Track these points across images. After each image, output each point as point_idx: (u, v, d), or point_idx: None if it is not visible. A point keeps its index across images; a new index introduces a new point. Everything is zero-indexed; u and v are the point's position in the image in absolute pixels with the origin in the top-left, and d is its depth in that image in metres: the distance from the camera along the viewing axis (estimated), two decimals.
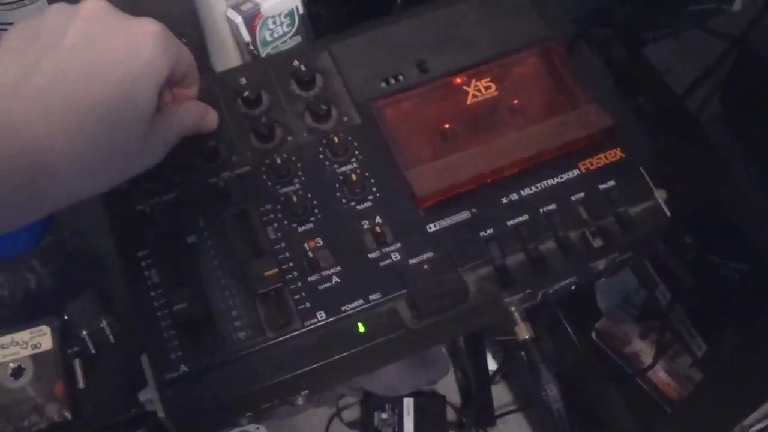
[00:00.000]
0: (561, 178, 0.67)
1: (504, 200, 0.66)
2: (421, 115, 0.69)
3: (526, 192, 0.66)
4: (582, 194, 0.66)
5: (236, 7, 0.70)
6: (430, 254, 0.63)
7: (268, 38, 0.71)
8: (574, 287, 0.69)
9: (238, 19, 0.70)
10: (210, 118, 0.65)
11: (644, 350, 0.92)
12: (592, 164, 0.68)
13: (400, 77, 0.70)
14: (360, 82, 0.70)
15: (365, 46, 0.72)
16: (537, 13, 0.74)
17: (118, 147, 0.52)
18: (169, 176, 0.65)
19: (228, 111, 0.68)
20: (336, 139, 0.66)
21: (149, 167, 0.57)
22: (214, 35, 0.72)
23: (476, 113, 0.69)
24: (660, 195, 0.67)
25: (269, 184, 0.65)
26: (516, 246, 0.64)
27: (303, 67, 0.69)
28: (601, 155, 0.68)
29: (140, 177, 0.61)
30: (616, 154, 0.68)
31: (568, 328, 1.01)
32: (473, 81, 0.70)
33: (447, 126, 0.68)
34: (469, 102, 0.69)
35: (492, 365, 1.23)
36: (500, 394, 1.23)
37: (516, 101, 0.70)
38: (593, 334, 0.95)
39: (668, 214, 0.66)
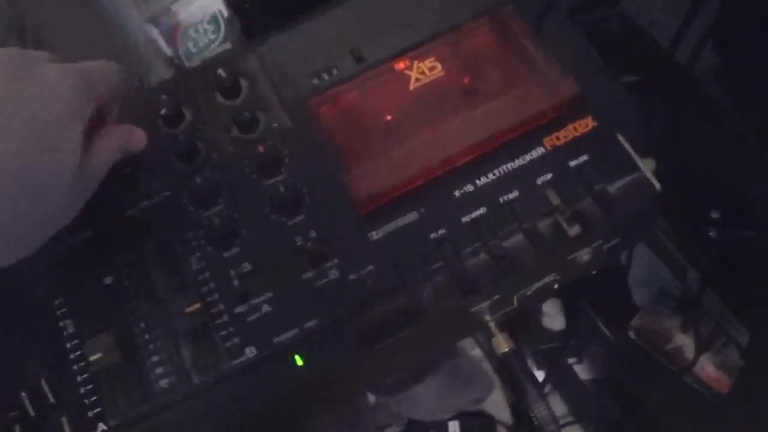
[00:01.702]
0: (522, 159, 0.57)
1: (457, 193, 0.56)
2: (358, 110, 0.60)
3: (482, 181, 0.57)
4: (549, 175, 0.56)
5: (153, 20, 0.63)
6: (372, 267, 0.55)
7: (193, 49, 0.65)
8: (557, 286, 0.59)
9: (155, 33, 0.63)
10: (137, 137, 0.58)
11: (687, 344, 0.80)
12: (559, 139, 0.58)
13: (334, 70, 0.62)
14: (289, 81, 0.62)
15: (293, 43, 0.64)
16: None
17: (47, 205, 0.48)
18: (83, 213, 0.58)
19: (148, 132, 0.61)
20: (261, 149, 0.58)
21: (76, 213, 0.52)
22: (138, 51, 0.66)
23: (421, 99, 0.60)
24: (647, 165, 0.56)
25: (191, 208, 0.58)
26: (474, 245, 0.54)
27: (224, 74, 0.61)
28: (569, 127, 0.58)
29: None
30: (587, 125, 0.58)
31: (605, 330, 0.89)
32: (415, 63, 0.61)
33: (389, 118, 0.59)
34: (412, 87, 0.60)
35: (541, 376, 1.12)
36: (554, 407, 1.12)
37: (467, 80, 0.61)
38: (631, 333, 0.84)
39: (658, 186, 0.55)
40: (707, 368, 0.79)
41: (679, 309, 0.83)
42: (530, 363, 1.12)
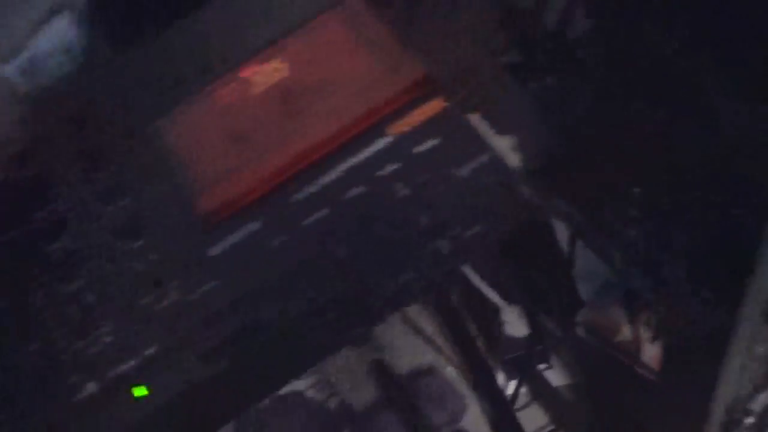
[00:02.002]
0: (366, 152, 0.53)
1: (299, 196, 0.53)
2: (204, 124, 0.57)
3: (326, 180, 0.53)
4: (395, 166, 0.52)
5: None
6: (213, 284, 0.51)
7: None
8: (424, 284, 0.55)
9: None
10: None
11: (636, 335, 0.74)
12: (405, 126, 0.54)
13: (182, 87, 0.59)
14: (138, 103, 0.59)
15: (145, 58, 0.61)
16: None
17: None
18: None
19: None
20: (103, 177, 0.56)
21: None
22: None
23: (266, 104, 0.57)
24: (503, 143, 0.52)
25: (38, 243, 0.56)
26: (316, 247, 0.51)
27: (70, 103, 0.59)
28: (416, 112, 0.54)
29: None
30: (436, 107, 0.54)
31: (556, 330, 0.84)
32: (261, 67, 0.58)
33: (233, 128, 0.56)
34: (256, 92, 0.57)
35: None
36: (535, 415, 1.05)
37: (311, 77, 0.57)
38: (579, 330, 0.78)
39: (514, 164, 0.51)
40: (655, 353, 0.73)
41: (624, 299, 0.77)
42: (500, 375, 1.06)
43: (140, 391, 0.50)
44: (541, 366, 0.99)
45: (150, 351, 0.50)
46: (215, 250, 0.52)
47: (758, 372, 0.52)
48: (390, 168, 0.52)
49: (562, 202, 0.70)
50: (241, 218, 0.53)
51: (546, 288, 0.84)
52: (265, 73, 0.57)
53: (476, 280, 0.86)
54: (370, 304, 0.51)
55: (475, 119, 0.52)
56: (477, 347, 0.89)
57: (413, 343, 1.03)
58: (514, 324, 0.98)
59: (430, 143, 0.52)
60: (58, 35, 0.64)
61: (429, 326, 1.02)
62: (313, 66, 0.57)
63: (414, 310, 0.96)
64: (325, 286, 0.50)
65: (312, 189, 0.53)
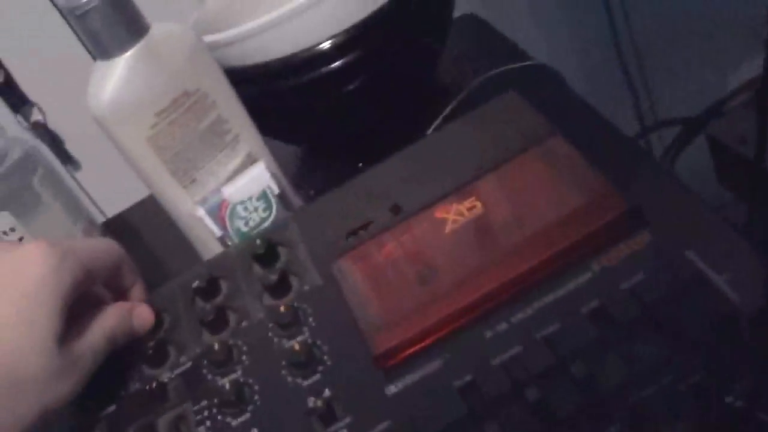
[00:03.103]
0: (565, 288, 0.48)
1: (489, 333, 0.48)
2: (389, 261, 0.55)
3: (518, 317, 0.48)
4: (596, 301, 0.47)
5: (201, 200, 0.63)
6: (387, 423, 0.46)
7: (243, 228, 0.63)
8: None
9: (200, 213, 0.62)
10: (140, 314, 0.56)
11: None
12: (609, 260, 0.48)
13: (370, 226, 0.57)
14: (324, 242, 0.58)
15: (332, 204, 0.61)
16: (532, 112, 0.59)
17: (20, 379, 0.46)
18: (107, 386, 0.56)
19: (185, 310, 0.59)
20: (283, 309, 0.54)
21: (72, 395, 0.50)
22: (191, 234, 0.66)
23: (457, 240, 0.54)
24: (718, 279, 0.45)
25: (209, 377, 0.53)
26: (505, 388, 0.45)
27: (260, 243, 0.59)
28: (621, 245, 0.49)
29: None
30: (642, 241, 0.48)
31: None
32: (454, 206, 0.55)
33: (419, 266, 0.53)
34: (448, 230, 0.54)
35: None
36: None
37: (507, 212, 0.54)
38: None
39: (735, 300, 0.44)
40: None
41: None
42: None
43: None
44: None
45: None
46: (394, 389, 0.47)
47: None
48: (591, 304, 0.46)
49: None
50: (423, 356, 0.48)
51: None
52: (459, 212, 0.54)
53: None
54: None
55: (687, 253, 0.46)
56: None
57: None
58: None
59: (637, 277, 0.46)
60: (254, 180, 0.65)
61: None
62: (509, 202, 0.54)
63: None
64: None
65: (502, 326, 0.47)
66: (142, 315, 0.56)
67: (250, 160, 0.67)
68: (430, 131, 0.77)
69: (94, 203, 1.18)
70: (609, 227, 0.49)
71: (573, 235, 0.49)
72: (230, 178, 0.65)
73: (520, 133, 0.59)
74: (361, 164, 0.73)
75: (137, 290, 0.59)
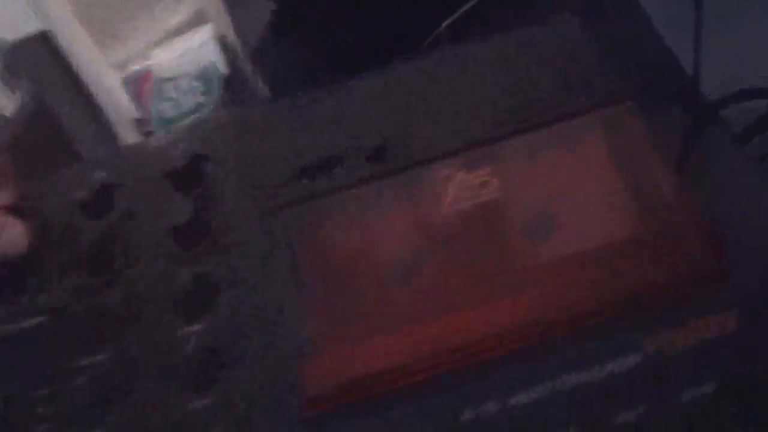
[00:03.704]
0: (596, 371, 0.32)
1: (466, 415, 0.32)
2: (350, 238, 0.38)
3: (515, 399, 0.32)
4: (641, 409, 0.31)
5: (120, 66, 0.44)
6: None
7: (169, 113, 0.45)
8: None
9: (113, 81, 0.44)
10: (8, 235, 0.40)
11: None
12: (670, 342, 0.32)
13: (336, 171, 0.40)
14: (270, 177, 0.40)
15: (293, 119, 0.43)
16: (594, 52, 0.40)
17: None
18: None
19: (61, 230, 0.42)
20: (188, 276, 0.37)
21: None
22: (106, 108, 0.47)
23: (454, 234, 0.37)
24: None
25: (67, 347, 0.38)
26: None
27: (179, 155, 0.41)
28: (692, 325, 0.32)
29: None
30: (724, 324, 0.32)
31: None
32: (459, 174, 0.38)
33: (396, 258, 0.36)
34: (444, 212, 0.37)
35: None
36: None
37: (535, 212, 0.37)
38: None
39: None
40: None
41: None
42: None
43: None
44: None
45: None
46: None
47: None
48: (632, 412, 0.30)
49: None
50: (367, 411, 0.33)
51: None
52: (465, 186, 0.37)
53: None
54: None
55: None
56: None
57: None
58: None
59: (708, 386, 0.30)
60: (195, 52, 0.47)
61: None
62: (539, 194, 0.37)
63: None
64: None
65: (490, 407, 0.32)
66: (13, 237, 0.40)
67: (197, 20, 0.47)
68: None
69: None
70: (686, 287, 0.32)
71: (628, 281, 0.33)
72: (164, 42, 0.46)
73: (574, 80, 0.40)
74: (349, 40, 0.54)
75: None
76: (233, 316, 0.36)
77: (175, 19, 0.47)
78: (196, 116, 0.47)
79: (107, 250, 0.40)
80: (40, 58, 0.49)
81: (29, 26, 0.49)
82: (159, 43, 0.47)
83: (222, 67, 0.47)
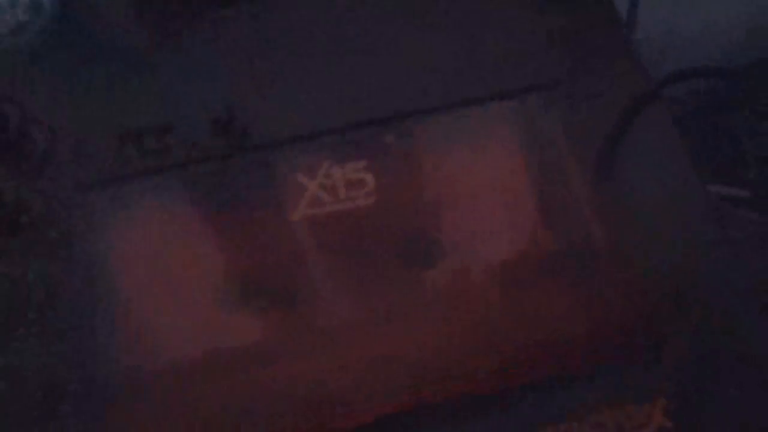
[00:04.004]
0: None
1: None
2: (176, 233, 0.28)
3: None
4: None
5: None
6: None
7: None
8: None
9: None
10: None
11: None
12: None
13: (168, 139, 0.29)
14: (89, 144, 0.30)
15: (129, 70, 0.32)
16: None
17: None
18: None
19: None
20: None
21: None
22: None
23: (311, 249, 0.27)
24: None
25: None
26: None
27: None
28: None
29: None
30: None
31: None
32: (325, 164, 0.27)
33: (231, 273, 0.27)
34: (297, 218, 0.27)
35: None
36: None
37: (422, 221, 0.27)
38: None
39: None
40: None
41: None
42: None
43: None
44: None
45: None
46: None
47: None
48: None
49: None
50: None
51: None
52: (330, 182, 0.27)
53: None
54: None
55: None
56: None
57: None
58: None
59: None
60: None
61: None
62: (429, 197, 0.27)
63: None
64: None
65: None
66: None
67: None
68: None
69: None
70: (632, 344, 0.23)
71: (551, 333, 0.23)
72: None
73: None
74: None
75: None
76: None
77: None
78: (13, 42, 0.36)
79: None
80: None
81: None
82: None
83: None
